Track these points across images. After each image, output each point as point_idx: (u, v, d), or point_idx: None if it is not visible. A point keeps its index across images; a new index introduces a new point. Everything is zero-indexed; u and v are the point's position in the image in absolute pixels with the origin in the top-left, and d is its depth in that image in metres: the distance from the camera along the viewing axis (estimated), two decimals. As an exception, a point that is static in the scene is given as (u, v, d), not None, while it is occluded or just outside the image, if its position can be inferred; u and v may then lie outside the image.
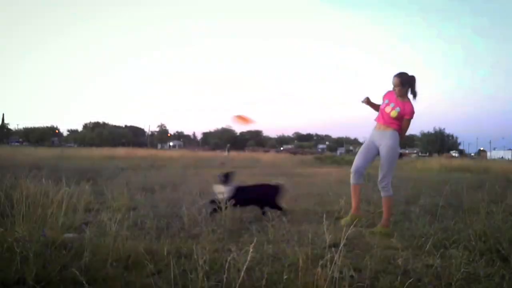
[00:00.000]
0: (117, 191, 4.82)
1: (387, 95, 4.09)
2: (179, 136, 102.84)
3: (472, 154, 76.64)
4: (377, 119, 4.12)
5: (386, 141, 3.95)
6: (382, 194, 3.98)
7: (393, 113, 3.93)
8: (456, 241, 2.98)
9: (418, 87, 3.98)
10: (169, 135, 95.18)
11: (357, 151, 4.33)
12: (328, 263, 2.07)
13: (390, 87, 4.03)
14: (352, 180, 4.12)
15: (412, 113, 3.92)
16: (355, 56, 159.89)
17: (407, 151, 62.17)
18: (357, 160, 4.14)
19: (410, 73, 3.94)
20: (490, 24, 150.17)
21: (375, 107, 4.24)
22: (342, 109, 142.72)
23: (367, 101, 4.27)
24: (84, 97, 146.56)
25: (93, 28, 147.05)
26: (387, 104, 4.00)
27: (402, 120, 3.95)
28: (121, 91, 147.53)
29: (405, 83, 3.91)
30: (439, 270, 2.41)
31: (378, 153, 4.06)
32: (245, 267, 1.91)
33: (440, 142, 68.48)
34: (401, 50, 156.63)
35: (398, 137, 3.97)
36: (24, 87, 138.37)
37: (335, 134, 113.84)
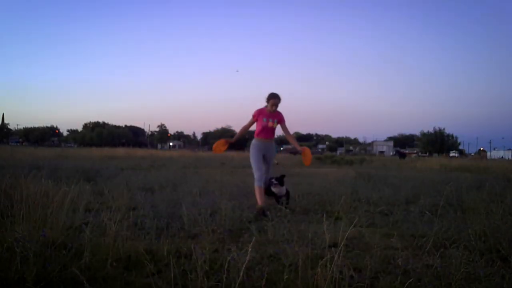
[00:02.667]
0: (117, 191, 4.82)
1: (263, 114, 4.89)
2: (179, 136, 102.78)
3: (472, 154, 76.59)
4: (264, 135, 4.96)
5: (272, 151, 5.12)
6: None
7: (274, 125, 4.95)
8: (456, 241, 2.97)
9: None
10: (169, 135, 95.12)
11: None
12: (328, 263, 2.07)
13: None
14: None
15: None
16: (355, 55, 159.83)
17: (407, 151, 62.17)
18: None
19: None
20: (490, 23, 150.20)
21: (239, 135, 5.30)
22: (342, 109, 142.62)
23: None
24: (84, 97, 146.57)
25: (93, 27, 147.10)
26: (268, 121, 4.88)
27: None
28: (121, 91, 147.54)
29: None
30: (439, 270, 2.40)
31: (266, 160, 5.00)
32: (244, 266, 1.91)
33: (440, 142, 68.41)
34: (400, 49, 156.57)
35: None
36: (24, 87, 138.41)
37: (335, 134, 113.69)
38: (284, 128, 5.05)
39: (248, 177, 7.57)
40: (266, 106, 4.89)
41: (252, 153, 4.92)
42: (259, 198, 4.66)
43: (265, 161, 4.94)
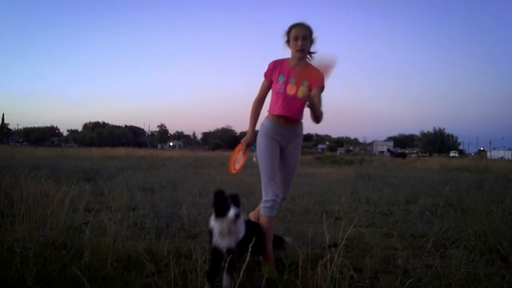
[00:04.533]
0: (117, 191, 4.82)
1: (280, 69, 2.55)
2: (179, 136, 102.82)
3: (472, 154, 76.56)
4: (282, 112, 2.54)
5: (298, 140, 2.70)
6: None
7: (301, 93, 2.46)
8: (456, 241, 2.98)
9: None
10: (169, 135, 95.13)
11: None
12: (328, 263, 2.07)
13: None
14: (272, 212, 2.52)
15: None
16: (354, 55, 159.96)
17: (407, 151, 62.16)
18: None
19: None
20: (489, 23, 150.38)
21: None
22: (342, 109, 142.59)
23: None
24: (84, 97, 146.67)
25: (93, 27, 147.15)
26: (287, 82, 2.51)
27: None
28: (121, 91, 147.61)
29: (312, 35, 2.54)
30: (439, 270, 2.41)
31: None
32: (244, 266, 1.91)
33: (440, 142, 68.47)
34: (401, 49, 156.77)
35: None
36: (24, 87, 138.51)
37: (335, 134, 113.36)
38: (317, 97, 2.43)
39: (248, 177, 7.58)
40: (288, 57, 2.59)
41: (260, 147, 2.61)
42: (267, 242, 2.49)
43: (282, 164, 2.67)
